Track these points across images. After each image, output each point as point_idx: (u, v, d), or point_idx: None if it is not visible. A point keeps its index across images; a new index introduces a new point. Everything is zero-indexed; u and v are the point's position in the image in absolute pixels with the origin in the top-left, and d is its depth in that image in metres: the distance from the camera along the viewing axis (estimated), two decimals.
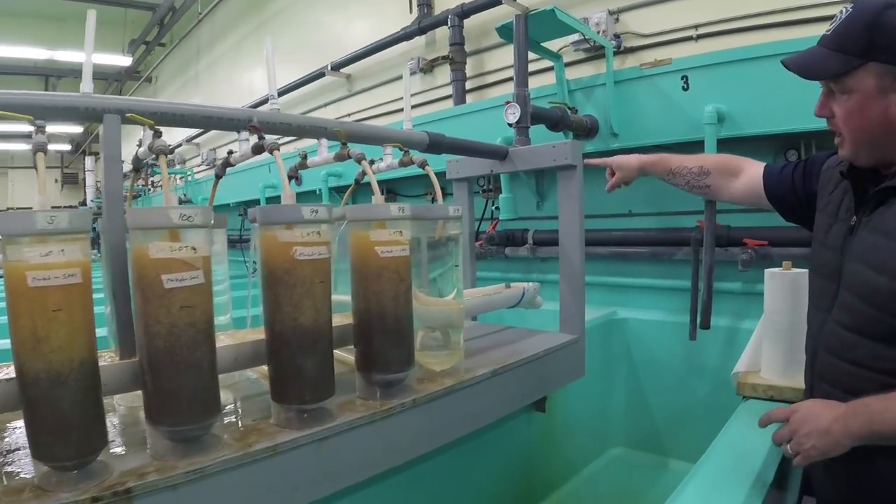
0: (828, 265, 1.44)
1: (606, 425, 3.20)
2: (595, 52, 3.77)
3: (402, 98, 5.22)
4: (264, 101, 5.63)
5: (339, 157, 1.63)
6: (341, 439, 1.29)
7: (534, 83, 3.80)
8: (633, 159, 2.07)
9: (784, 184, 1.68)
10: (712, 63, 2.88)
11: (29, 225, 0.89)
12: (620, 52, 3.63)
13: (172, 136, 10.79)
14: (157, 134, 1.33)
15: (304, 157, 1.77)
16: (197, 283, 1.07)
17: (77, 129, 15.75)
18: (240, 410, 1.43)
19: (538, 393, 2.04)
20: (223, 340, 1.40)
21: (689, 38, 3.37)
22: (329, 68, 6.09)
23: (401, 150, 1.80)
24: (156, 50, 12.16)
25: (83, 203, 16.31)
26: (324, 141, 1.70)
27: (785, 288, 1.93)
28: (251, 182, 6.32)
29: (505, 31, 2.96)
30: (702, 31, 3.35)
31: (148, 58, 12.69)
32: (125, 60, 12.05)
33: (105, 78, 13.92)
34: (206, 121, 1.52)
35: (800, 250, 2.73)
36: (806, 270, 1.65)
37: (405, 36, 5.14)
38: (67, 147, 18.14)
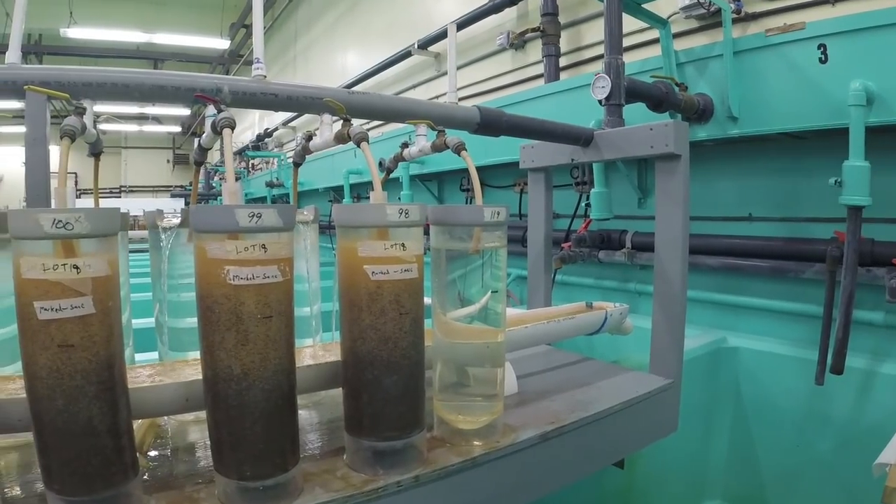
0: None
1: (703, 475, 2.73)
2: (710, 20, 3.22)
3: (494, 77, 4.97)
4: (356, 82, 5.38)
5: (339, 138, 1.22)
6: None
7: (637, 55, 3.38)
8: None
9: None
10: (859, 28, 2.27)
11: None
12: (741, 18, 3.04)
13: (272, 119, 10.96)
14: (80, 111, 1.01)
15: (309, 137, 1.38)
16: (82, 313, 0.80)
17: (185, 112, 16.36)
18: (194, 463, 1.13)
19: (610, 458, 1.56)
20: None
21: (826, 2, 2.73)
22: (415, 47, 5.79)
23: (434, 129, 1.37)
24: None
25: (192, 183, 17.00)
26: (326, 117, 1.29)
27: None
28: (339, 167, 6.14)
29: None
30: None
31: (249, 40, 12.90)
32: (223, 43, 12.53)
33: (209, 61, 14.40)
34: (158, 91, 1.18)
35: None
36: None
37: (494, 8, 4.72)
38: (178, 129, 18.92)
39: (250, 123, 12.95)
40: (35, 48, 13.16)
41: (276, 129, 10.85)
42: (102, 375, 0.83)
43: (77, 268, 0.78)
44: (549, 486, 1.34)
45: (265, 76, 1.26)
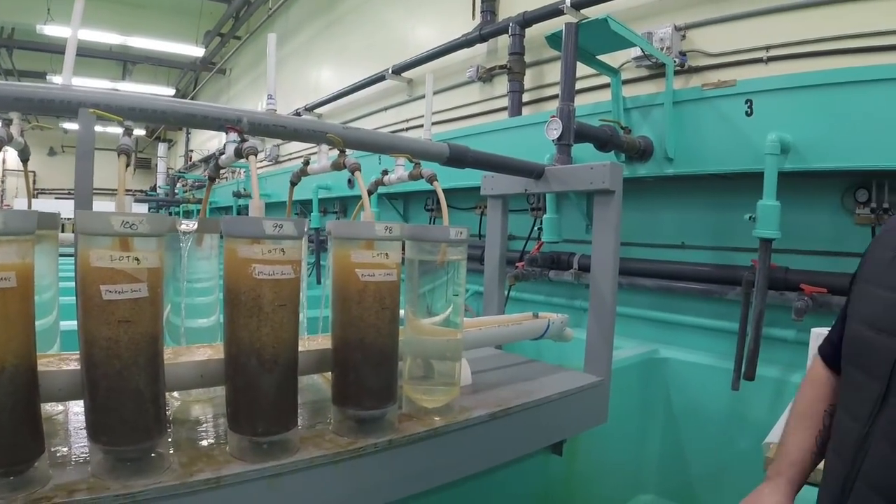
0: (875, 354, 0.98)
1: (638, 470, 2.99)
2: (658, 70, 3.51)
3: (463, 106, 5.24)
4: (328, 101, 5.61)
5: (336, 166, 1.49)
6: (297, 478, 1.18)
7: (592, 98, 3.66)
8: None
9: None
10: (780, 87, 2.61)
11: None
12: (684, 71, 3.37)
13: None
14: (128, 131, 1.23)
15: (307, 163, 1.63)
16: (138, 296, 0.99)
17: None
18: (206, 430, 1.32)
19: (547, 439, 1.85)
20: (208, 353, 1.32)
21: (759, 60, 3.08)
22: (389, 72, 5.98)
23: (411, 161, 1.64)
24: (230, 42, 12.32)
25: (153, 189, 16.79)
26: (324, 147, 1.56)
27: None
28: (308, 182, 6.20)
29: (555, 40, 2.73)
30: (774, 52, 3.05)
31: (223, 49, 12.88)
32: (198, 51, 12.35)
33: (180, 67, 14.26)
34: (189, 119, 1.42)
35: None
36: None
37: (466, 43, 4.98)
38: (142, 132, 18.68)
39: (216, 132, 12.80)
40: (7, 42, 12.82)
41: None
42: (150, 348, 1.01)
43: (138, 259, 0.97)
44: (500, 457, 1.61)
45: (276, 110, 1.51)
